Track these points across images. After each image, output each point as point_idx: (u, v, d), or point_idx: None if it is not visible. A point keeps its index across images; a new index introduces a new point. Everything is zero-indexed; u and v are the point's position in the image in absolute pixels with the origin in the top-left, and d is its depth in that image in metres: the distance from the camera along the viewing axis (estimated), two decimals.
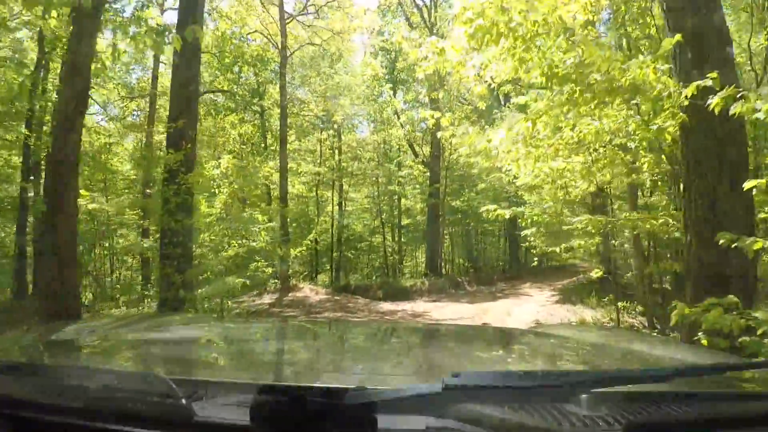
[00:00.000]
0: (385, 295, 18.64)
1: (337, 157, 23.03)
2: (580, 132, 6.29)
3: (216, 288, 7.87)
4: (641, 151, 7.50)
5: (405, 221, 27.60)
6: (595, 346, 2.02)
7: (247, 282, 8.02)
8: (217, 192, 9.42)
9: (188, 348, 1.92)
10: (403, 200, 26.90)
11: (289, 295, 16.59)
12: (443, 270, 23.17)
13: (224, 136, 22.20)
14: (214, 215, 8.69)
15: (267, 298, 16.26)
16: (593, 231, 8.57)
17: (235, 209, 8.54)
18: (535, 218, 9.62)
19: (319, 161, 23.22)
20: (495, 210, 9.02)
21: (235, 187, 9.10)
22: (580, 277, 21.71)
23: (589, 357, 1.85)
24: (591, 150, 7.38)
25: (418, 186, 23.70)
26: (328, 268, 22.09)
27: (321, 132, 23.84)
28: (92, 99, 15.07)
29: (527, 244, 18.86)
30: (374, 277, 22.19)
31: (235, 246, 8.57)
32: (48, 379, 1.23)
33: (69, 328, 2.38)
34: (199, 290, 7.85)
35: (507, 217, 9.12)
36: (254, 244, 9.28)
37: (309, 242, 19.45)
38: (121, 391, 1.10)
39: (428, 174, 23.91)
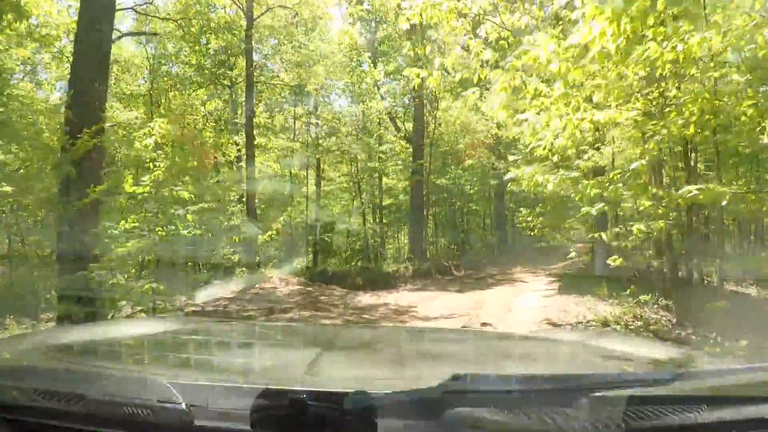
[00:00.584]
0: (365, 282, 16.93)
1: (312, 132, 20.95)
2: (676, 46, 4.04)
3: (125, 293, 6.01)
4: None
5: (387, 201, 25.79)
6: (596, 348, 1.99)
7: (159, 286, 6.10)
8: (151, 166, 7.46)
9: (187, 351, 1.90)
10: (384, 179, 25.12)
11: (256, 286, 14.80)
12: (428, 253, 21.44)
13: (193, 112, 20.09)
14: (141, 195, 6.74)
15: (231, 291, 14.55)
16: (662, 210, 6.41)
17: (168, 188, 6.61)
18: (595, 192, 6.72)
19: (292, 137, 21.16)
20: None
21: (174, 160, 7.18)
22: (575, 261, 20.25)
23: (589, 360, 1.83)
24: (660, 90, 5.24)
25: (400, 162, 21.83)
26: (306, 252, 20.18)
27: (294, 106, 21.78)
28: None
29: (522, 224, 17.16)
30: (354, 262, 20.41)
31: (158, 233, 6.65)
32: (47, 384, 1.20)
33: None
34: (115, 295, 5.98)
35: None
36: (186, 231, 7.33)
37: (281, 224, 17.65)
38: (120, 395, 1.11)
39: (411, 150, 22.13)
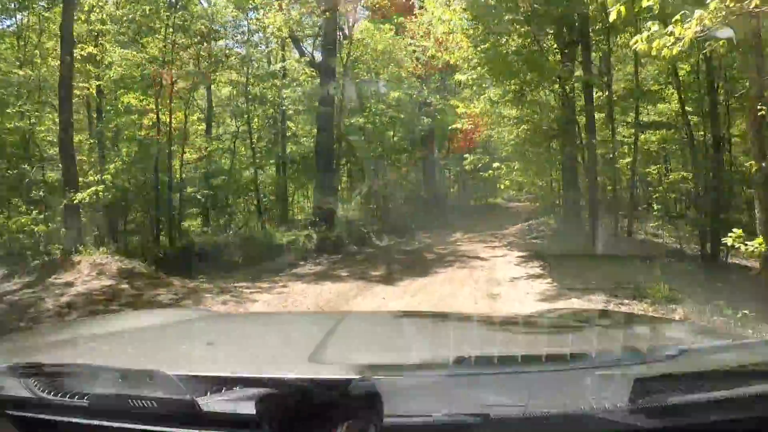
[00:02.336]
0: (245, 262, 11.42)
1: (168, 33, 13.98)
2: None
3: None
4: None
5: (290, 148, 19.88)
6: (600, 328, 2.02)
7: None
8: None
9: (191, 342, 1.91)
10: (290, 124, 19.26)
11: (53, 276, 8.99)
12: (339, 216, 15.92)
13: None
14: None
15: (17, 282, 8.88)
16: None
17: None
18: None
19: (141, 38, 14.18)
20: None
21: None
22: (531, 223, 15.61)
23: (593, 339, 1.81)
24: None
25: (299, 90, 15.94)
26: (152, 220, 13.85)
27: None
28: None
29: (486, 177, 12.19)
30: (232, 232, 14.77)
31: None
32: (52, 379, 1.21)
33: None
34: None
35: None
36: None
37: (109, 178, 11.57)
38: (125, 389, 1.12)
39: (318, 81, 16.37)
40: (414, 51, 17.98)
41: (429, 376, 1.10)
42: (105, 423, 1.10)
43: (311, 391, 1.04)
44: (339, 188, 17.74)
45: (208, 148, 17.90)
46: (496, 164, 12.25)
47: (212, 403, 1.05)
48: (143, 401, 1.08)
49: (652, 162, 13.91)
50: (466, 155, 15.20)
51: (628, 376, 1.08)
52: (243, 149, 18.64)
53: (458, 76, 12.23)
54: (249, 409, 1.01)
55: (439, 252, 12.22)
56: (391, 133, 19.24)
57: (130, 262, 10.21)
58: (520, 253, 10.77)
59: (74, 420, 1.12)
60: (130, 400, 1.09)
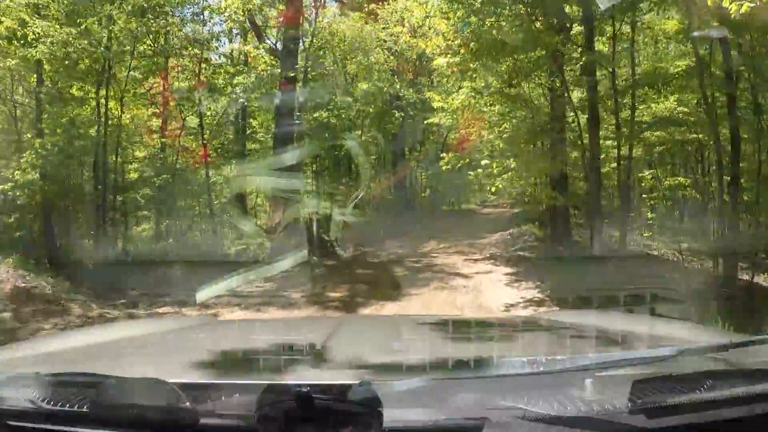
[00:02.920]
0: (183, 276, 9.62)
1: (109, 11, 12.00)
2: None
3: None
4: None
5: (251, 146, 18.09)
6: (597, 330, 1.99)
7: None
8: None
9: (190, 350, 1.88)
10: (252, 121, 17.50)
11: None
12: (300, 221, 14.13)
13: None
14: None
15: None
16: None
17: None
18: None
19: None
20: None
21: None
22: (512, 232, 14.12)
23: (591, 341, 1.83)
24: None
25: (254, 77, 14.12)
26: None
27: None
28: None
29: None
30: (178, 238, 12.95)
31: None
32: (51, 389, 1.21)
33: None
34: None
35: None
36: None
37: (21, 174, 9.48)
38: (125, 398, 1.10)
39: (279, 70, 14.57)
40: (385, 41, 16.40)
41: (428, 380, 1.08)
42: None
43: (311, 396, 1.00)
44: (300, 190, 15.92)
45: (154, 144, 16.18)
46: (485, 161, 10.63)
47: (212, 410, 1.05)
48: (144, 410, 1.07)
49: (646, 165, 12.59)
50: (443, 154, 13.55)
51: (627, 378, 1.07)
52: (194, 145, 16.87)
53: (438, 61, 10.64)
54: (249, 416, 1.00)
55: (411, 266, 10.52)
56: (360, 132, 17.52)
57: (35, 279, 8.34)
58: (508, 270, 9.16)
59: (75, 430, 1.11)
60: (130, 410, 1.08)
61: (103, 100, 12.48)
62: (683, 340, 1.71)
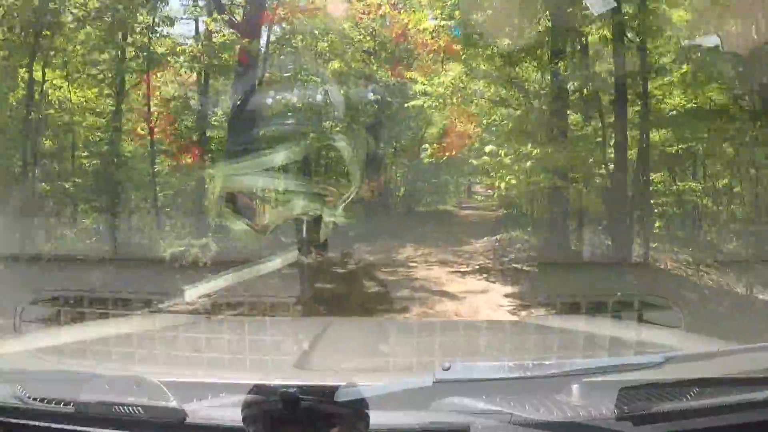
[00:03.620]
0: (108, 282, 8.03)
1: None
2: None
3: None
4: None
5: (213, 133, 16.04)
6: (586, 335, 1.97)
7: None
8: None
9: (177, 349, 1.93)
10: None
11: None
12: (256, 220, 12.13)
13: None
14: None
15: None
16: None
17: None
18: None
19: None
20: None
21: None
22: (500, 238, 12.41)
23: (580, 346, 1.82)
24: None
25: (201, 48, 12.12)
26: None
27: None
28: None
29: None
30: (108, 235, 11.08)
31: None
32: (38, 386, 1.21)
33: None
34: None
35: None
36: None
37: None
38: (112, 396, 1.11)
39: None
40: (361, 18, 14.52)
41: (415, 383, 1.08)
42: (91, 430, 1.11)
43: (297, 397, 1.00)
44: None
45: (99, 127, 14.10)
46: (488, 148, 8.83)
47: (198, 409, 1.08)
48: (129, 408, 1.08)
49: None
50: (425, 145, 11.72)
51: (614, 384, 1.08)
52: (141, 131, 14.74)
53: (425, 24, 8.89)
54: (235, 416, 1.01)
55: (386, 278, 8.61)
56: (328, 123, 15.61)
57: None
58: (508, 289, 7.35)
59: (60, 426, 1.12)
60: (115, 407, 1.09)
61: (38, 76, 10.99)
62: (671, 347, 1.71)
